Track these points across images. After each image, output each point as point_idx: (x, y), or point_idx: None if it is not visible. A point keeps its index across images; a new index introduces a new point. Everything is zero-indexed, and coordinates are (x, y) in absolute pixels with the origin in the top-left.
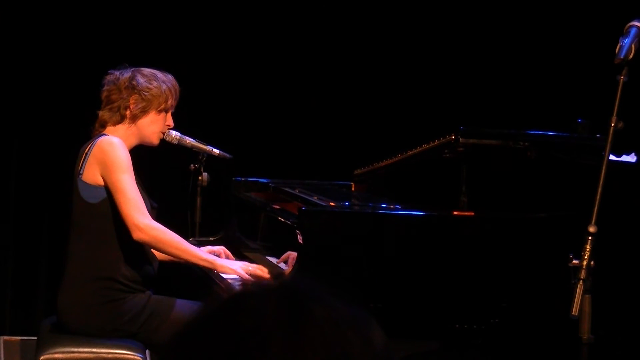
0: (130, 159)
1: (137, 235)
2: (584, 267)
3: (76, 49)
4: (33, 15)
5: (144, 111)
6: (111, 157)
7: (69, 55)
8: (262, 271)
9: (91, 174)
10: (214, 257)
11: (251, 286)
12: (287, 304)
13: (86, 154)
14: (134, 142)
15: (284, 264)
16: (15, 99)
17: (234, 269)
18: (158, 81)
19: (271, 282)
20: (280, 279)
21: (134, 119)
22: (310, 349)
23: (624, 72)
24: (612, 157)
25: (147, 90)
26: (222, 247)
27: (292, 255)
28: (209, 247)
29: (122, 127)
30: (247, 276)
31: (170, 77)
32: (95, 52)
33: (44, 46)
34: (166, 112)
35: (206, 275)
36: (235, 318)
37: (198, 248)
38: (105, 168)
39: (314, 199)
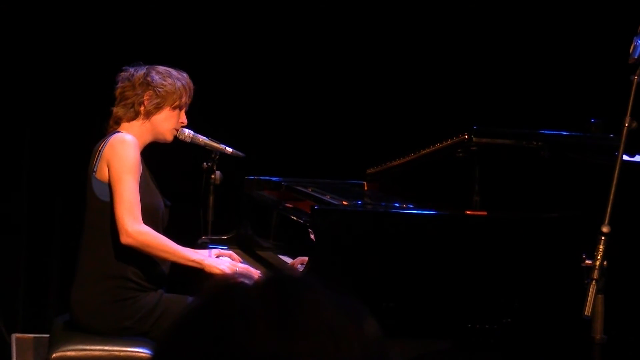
0: (139, 161)
1: (124, 239)
2: (596, 267)
3: (88, 47)
4: (47, 13)
5: (158, 107)
6: (118, 155)
7: (81, 53)
8: (248, 270)
9: (104, 171)
10: (202, 256)
11: (242, 277)
12: (275, 288)
13: (99, 151)
14: (148, 138)
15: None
16: (27, 97)
17: (222, 269)
18: (172, 78)
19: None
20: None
21: (148, 115)
22: (298, 330)
23: (638, 71)
24: (625, 157)
25: (162, 86)
26: (231, 253)
27: (304, 260)
28: (218, 251)
29: (136, 124)
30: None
31: (184, 74)
32: (108, 51)
33: (56, 44)
34: (180, 109)
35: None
36: (224, 303)
37: (186, 249)
38: (111, 164)
39: (327, 197)
